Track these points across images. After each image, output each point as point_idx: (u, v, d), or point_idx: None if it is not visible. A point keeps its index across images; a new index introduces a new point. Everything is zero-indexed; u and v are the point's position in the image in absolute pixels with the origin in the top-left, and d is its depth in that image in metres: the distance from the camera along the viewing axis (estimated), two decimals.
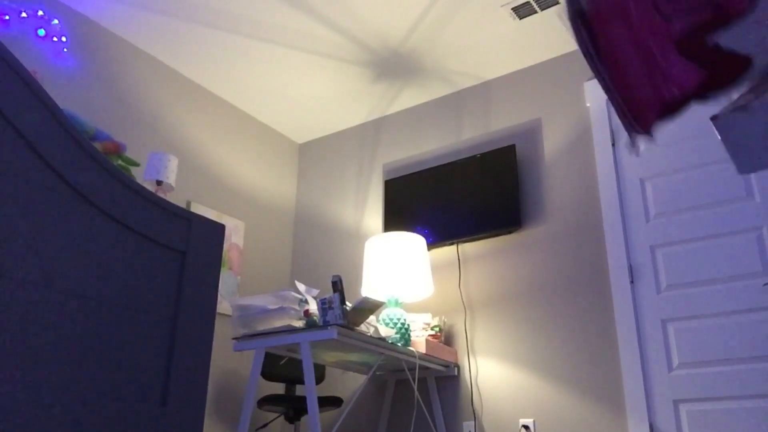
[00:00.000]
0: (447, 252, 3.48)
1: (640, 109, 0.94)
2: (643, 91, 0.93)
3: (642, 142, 1.00)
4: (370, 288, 3.07)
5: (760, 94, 0.85)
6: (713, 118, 0.87)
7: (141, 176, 3.08)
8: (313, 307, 2.64)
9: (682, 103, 0.92)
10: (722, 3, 0.86)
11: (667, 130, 3.03)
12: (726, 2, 0.86)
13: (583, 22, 0.96)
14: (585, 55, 0.97)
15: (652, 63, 0.92)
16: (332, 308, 2.47)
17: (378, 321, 2.92)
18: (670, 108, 0.92)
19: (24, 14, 2.87)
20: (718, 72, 0.88)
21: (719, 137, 0.90)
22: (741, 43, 0.86)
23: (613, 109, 3.21)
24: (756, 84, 0.87)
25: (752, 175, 2.76)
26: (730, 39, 0.87)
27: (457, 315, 3.31)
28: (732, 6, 0.86)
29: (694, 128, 2.96)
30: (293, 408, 3.05)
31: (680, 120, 3.00)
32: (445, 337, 3.30)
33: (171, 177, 2.66)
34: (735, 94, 0.89)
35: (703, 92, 0.90)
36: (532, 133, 3.42)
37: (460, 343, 3.25)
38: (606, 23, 0.95)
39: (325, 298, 2.50)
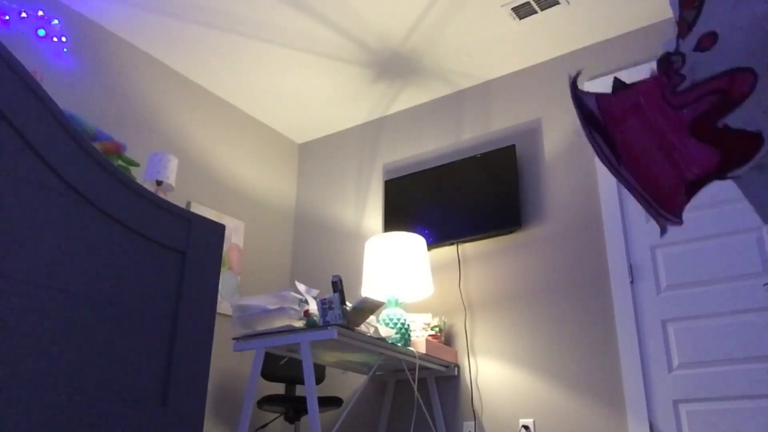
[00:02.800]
0: (447, 252, 3.48)
1: (666, 196, 1.00)
2: (667, 178, 0.99)
3: (672, 226, 1.05)
4: (370, 288, 3.06)
5: None
6: (735, 178, 0.94)
7: (141, 176, 3.08)
8: (313, 307, 2.64)
9: (704, 181, 0.97)
10: (726, 89, 0.93)
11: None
12: (730, 87, 0.92)
13: (595, 128, 1.02)
14: (604, 162, 1.03)
15: (670, 149, 0.98)
16: (332, 308, 2.47)
17: (378, 321, 2.92)
18: (695, 187, 0.98)
19: (24, 14, 2.87)
20: (732, 150, 0.94)
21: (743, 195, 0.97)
22: (748, 122, 0.92)
23: None
24: None
25: None
26: (737, 120, 0.92)
27: (457, 315, 3.31)
28: (735, 89, 0.92)
29: None
30: (293, 408, 3.05)
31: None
32: (445, 337, 3.30)
33: (171, 177, 2.66)
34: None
35: (722, 171, 0.95)
36: (532, 133, 3.42)
37: (460, 343, 3.25)
38: (620, 122, 1.02)
39: (325, 298, 2.50)
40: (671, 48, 1.02)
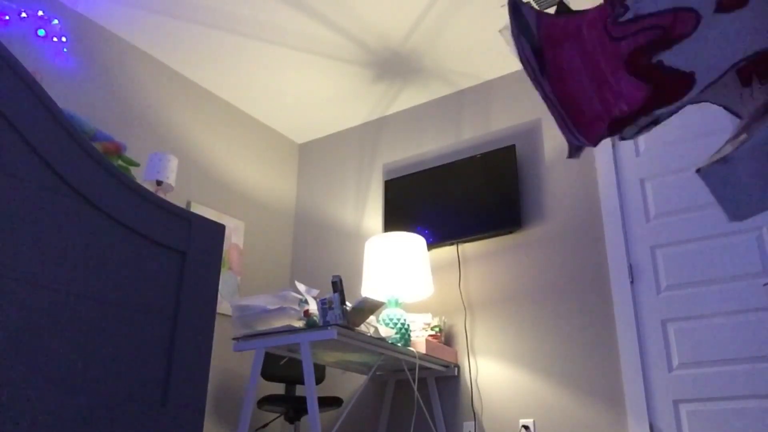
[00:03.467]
0: (447, 252, 3.48)
1: (586, 122, 1.00)
2: (592, 107, 0.99)
3: (582, 151, 1.05)
4: (370, 288, 3.06)
5: (738, 145, 0.89)
6: (697, 171, 0.93)
7: (141, 176, 3.07)
8: (313, 307, 2.64)
9: (630, 117, 0.97)
10: (668, 25, 0.92)
11: (668, 131, 3.03)
12: (671, 25, 0.92)
13: (528, 39, 1.02)
14: (527, 71, 1.03)
15: (602, 80, 0.98)
16: (332, 308, 2.47)
17: (378, 321, 2.92)
18: (620, 122, 0.98)
19: (24, 14, 2.87)
20: (663, 88, 0.94)
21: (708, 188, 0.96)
22: (684, 62, 0.92)
23: None
24: (734, 134, 0.92)
25: None
26: (673, 58, 0.92)
27: (457, 315, 3.31)
28: (676, 28, 0.92)
29: (693, 129, 2.96)
30: (293, 408, 3.05)
31: (681, 121, 3.00)
32: (445, 337, 3.30)
33: (171, 177, 2.66)
34: (678, 104, 0.95)
35: (650, 108, 0.95)
36: (532, 133, 3.42)
37: (460, 343, 3.25)
38: (557, 45, 1.02)
39: (325, 299, 2.50)
40: None
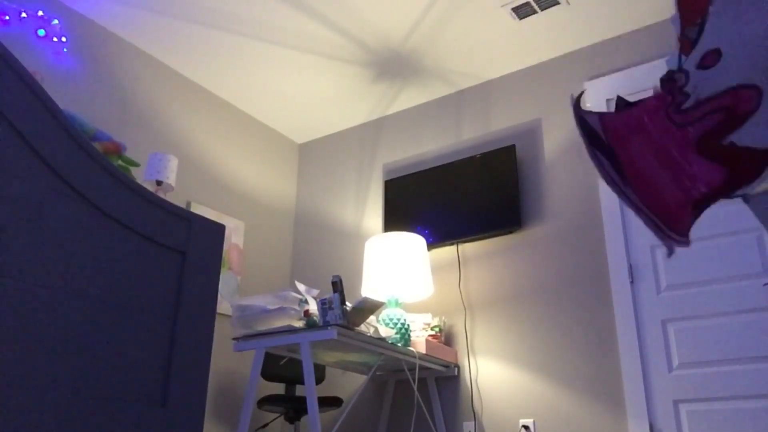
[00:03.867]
0: (447, 252, 3.48)
1: (673, 216, 0.99)
2: (673, 197, 0.98)
3: (680, 247, 1.05)
4: (370, 288, 3.06)
5: None
6: (745, 199, 0.94)
7: (141, 176, 3.07)
8: (313, 307, 2.64)
9: (711, 199, 0.96)
10: (731, 105, 0.92)
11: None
12: (735, 105, 0.92)
13: (599, 147, 1.02)
14: (608, 182, 1.02)
15: (675, 167, 0.97)
16: (332, 308, 2.47)
17: (378, 321, 2.92)
18: (701, 205, 0.97)
19: (24, 14, 2.87)
20: (740, 167, 0.93)
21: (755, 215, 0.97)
22: (755, 139, 0.91)
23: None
24: None
25: None
26: (744, 137, 0.92)
27: (457, 315, 3.31)
28: (740, 106, 0.92)
29: None
30: (293, 408, 3.05)
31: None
32: (445, 337, 3.30)
33: (171, 177, 2.66)
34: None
35: (730, 189, 0.94)
36: (532, 133, 3.42)
37: (460, 343, 3.25)
38: (624, 141, 1.01)
39: (325, 299, 2.50)
40: (674, 65, 1.02)
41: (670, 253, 1.00)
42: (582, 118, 1.04)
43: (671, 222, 0.98)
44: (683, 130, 0.96)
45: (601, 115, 1.04)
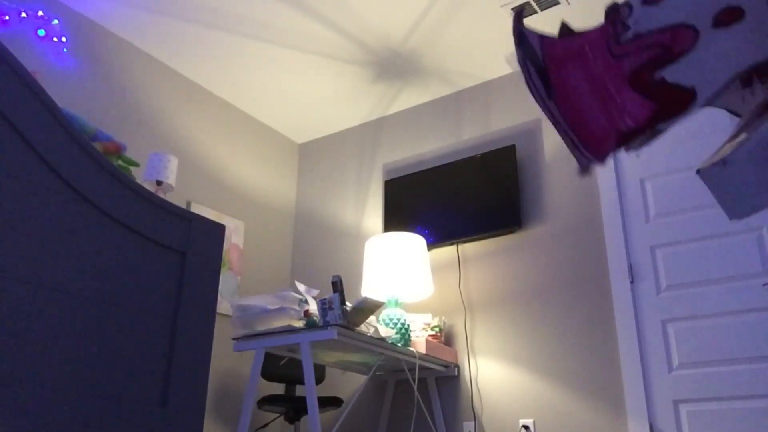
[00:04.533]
0: (447, 252, 3.48)
1: (595, 140, 1.02)
2: (599, 125, 1.02)
3: (594, 168, 1.09)
4: (370, 288, 3.06)
5: (737, 146, 0.92)
6: (697, 171, 0.95)
7: (141, 176, 3.07)
8: (313, 307, 2.64)
9: (635, 133, 1.00)
10: (668, 43, 0.96)
11: (668, 131, 3.03)
12: (671, 42, 0.95)
13: (534, 65, 1.05)
14: (535, 96, 1.06)
15: (607, 98, 1.01)
16: (332, 308, 2.47)
17: (378, 321, 2.92)
18: (626, 138, 1.00)
19: (24, 14, 2.87)
20: (667, 104, 0.97)
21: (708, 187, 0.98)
22: (685, 77, 0.95)
23: None
24: (733, 134, 0.94)
25: None
26: (675, 74, 0.95)
27: (457, 315, 3.31)
28: (676, 45, 0.95)
29: (693, 129, 2.96)
30: (293, 408, 3.05)
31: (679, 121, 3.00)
32: (445, 337, 3.30)
33: (171, 177, 2.66)
34: (683, 117, 0.99)
35: (654, 122, 0.98)
36: (532, 133, 3.42)
37: (460, 343, 3.25)
38: (562, 65, 1.05)
39: (325, 299, 2.50)
40: None
41: (582, 171, 1.03)
42: (522, 33, 1.06)
43: (590, 145, 1.02)
44: (619, 62, 0.99)
45: (542, 36, 1.06)
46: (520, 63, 1.05)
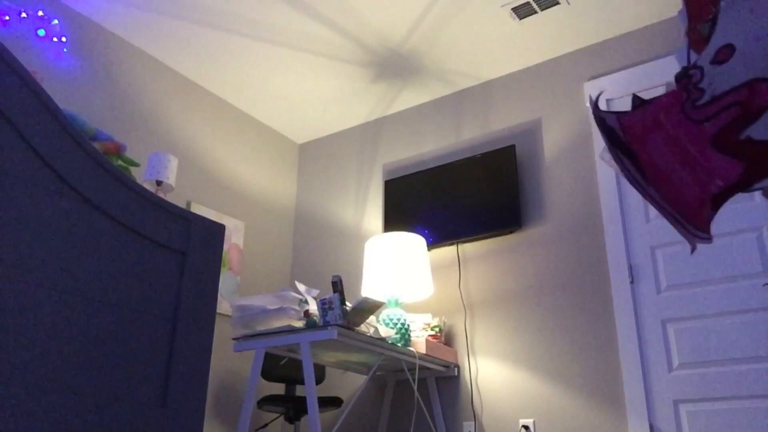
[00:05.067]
0: (447, 252, 3.48)
1: (693, 212, 0.99)
2: (692, 194, 0.99)
3: (702, 243, 1.05)
4: (370, 288, 3.06)
5: None
6: (764, 193, 0.95)
7: (141, 176, 3.07)
8: (313, 307, 2.64)
9: (728, 193, 0.96)
10: (746, 101, 0.93)
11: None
12: (749, 100, 0.93)
13: (619, 147, 1.02)
14: (632, 183, 1.03)
15: (693, 163, 0.98)
16: (332, 308, 2.47)
17: (378, 321, 2.92)
18: (719, 199, 0.97)
19: (24, 14, 2.87)
20: (757, 161, 0.94)
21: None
22: None
23: (613, 109, 3.21)
24: None
25: None
26: (760, 130, 0.92)
27: (457, 315, 3.31)
28: (755, 101, 0.92)
29: None
30: (293, 408, 3.05)
31: None
32: (445, 337, 3.30)
33: (171, 177, 2.66)
34: None
35: (748, 182, 0.95)
36: (532, 133, 3.42)
37: (460, 343, 3.25)
38: (642, 139, 1.02)
39: (325, 299, 2.50)
40: (683, 60, 1.02)
41: (693, 249, 1.00)
42: (602, 118, 1.04)
43: (692, 218, 0.99)
44: (700, 126, 0.97)
45: (618, 114, 1.04)
46: (612, 155, 1.03)
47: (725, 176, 0.95)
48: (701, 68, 0.98)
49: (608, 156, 1.07)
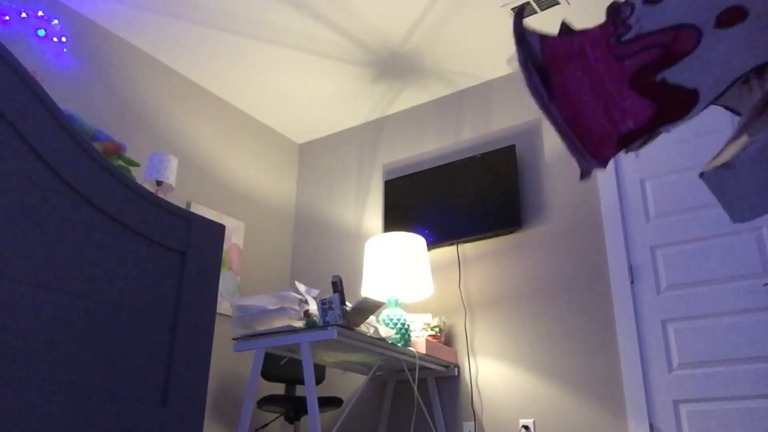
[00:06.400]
0: (447, 252, 3.48)
1: (595, 142, 1.00)
2: (600, 126, 0.99)
3: (592, 172, 1.06)
4: (370, 288, 3.06)
5: (740, 149, 0.90)
6: (701, 175, 0.94)
7: (141, 176, 3.07)
8: (313, 307, 2.64)
9: (636, 134, 0.97)
10: (670, 43, 0.94)
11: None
12: (673, 42, 0.94)
13: (535, 66, 1.03)
14: (536, 98, 1.03)
15: (608, 99, 0.99)
16: (332, 308, 2.47)
17: (378, 321, 2.92)
18: (626, 140, 0.98)
19: (24, 14, 2.87)
20: (668, 106, 0.95)
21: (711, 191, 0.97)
22: (687, 79, 0.93)
23: None
24: (735, 135, 0.94)
25: None
26: (676, 75, 0.93)
27: (457, 315, 3.31)
28: (678, 45, 0.93)
29: (693, 129, 2.96)
30: (293, 408, 3.05)
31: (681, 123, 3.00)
32: (445, 337, 3.30)
33: (171, 177, 2.66)
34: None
35: (655, 124, 0.96)
36: (532, 133, 3.42)
37: (460, 343, 3.25)
38: (563, 66, 1.02)
39: (325, 299, 2.50)
40: None
41: (583, 175, 1.01)
42: (522, 34, 1.04)
43: (592, 148, 1.00)
44: (620, 62, 0.97)
45: (542, 35, 1.04)
46: (521, 64, 1.02)
47: (636, 116, 0.96)
48: (632, 4, 0.98)
49: (515, 61, 1.07)
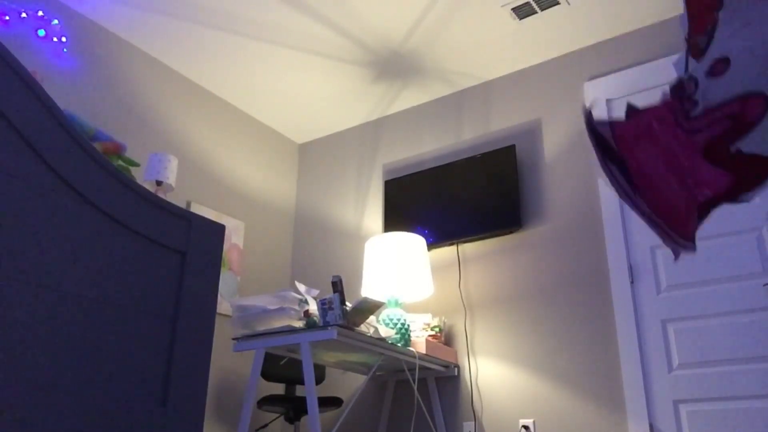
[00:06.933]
0: (447, 252, 3.48)
1: (679, 220, 1.00)
2: (680, 202, 0.99)
3: (685, 252, 1.05)
4: (370, 288, 3.06)
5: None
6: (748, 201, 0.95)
7: (141, 176, 3.07)
8: (313, 307, 2.64)
9: (714, 204, 0.97)
10: (738, 113, 0.93)
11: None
12: (741, 112, 0.93)
13: (609, 155, 1.03)
14: (618, 191, 1.04)
15: (682, 172, 0.98)
16: (332, 308, 2.47)
17: (378, 321, 2.92)
18: (705, 210, 0.98)
19: (24, 14, 2.87)
20: (745, 174, 0.94)
21: None
22: (761, 146, 0.92)
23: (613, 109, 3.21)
24: None
25: None
26: (750, 143, 0.93)
27: (457, 315, 3.31)
28: (747, 114, 0.92)
29: None
30: (293, 408, 3.05)
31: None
32: (445, 337, 3.30)
33: (171, 177, 2.66)
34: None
35: (734, 194, 0.95)
36: (532, 133, 3.42)
37: (460, 343, 3.25)
38: (633, 146, 1.02)
39: (325, 299, 2.50)
40: (681, 67, 1.02)
41: (676, 257, 1.00)
42: (594, 128, 1.04)
43: (677, 226, 0.99)
44: (691, 136, 0.97)
45: (611, 123, 1.04)
46: (600, 163, 1.03)
47: (713, 185, 0.96)
48: (696, 79, 0.98)
49: (602, 173, 1.08)
